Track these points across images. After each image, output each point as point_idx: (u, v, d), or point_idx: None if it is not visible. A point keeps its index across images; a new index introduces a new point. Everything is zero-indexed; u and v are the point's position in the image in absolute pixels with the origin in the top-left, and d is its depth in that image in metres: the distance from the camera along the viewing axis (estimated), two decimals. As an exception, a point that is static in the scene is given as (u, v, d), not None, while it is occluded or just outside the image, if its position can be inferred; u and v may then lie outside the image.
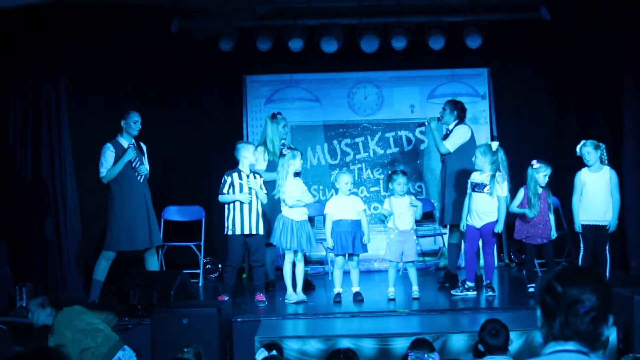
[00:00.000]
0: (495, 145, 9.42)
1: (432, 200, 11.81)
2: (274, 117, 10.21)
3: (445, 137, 10.12)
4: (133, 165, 9.33)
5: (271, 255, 10.19)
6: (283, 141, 10.27)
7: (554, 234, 9.30)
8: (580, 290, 2.81)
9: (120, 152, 9.27)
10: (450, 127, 10.15)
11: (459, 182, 9.87)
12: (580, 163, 9.35)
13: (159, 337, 7.62)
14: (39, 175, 10.54)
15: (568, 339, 2.81)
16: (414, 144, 12.21)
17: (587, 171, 9.27)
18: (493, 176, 9.21)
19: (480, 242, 9.56)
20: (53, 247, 10.53)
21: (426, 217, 10.84)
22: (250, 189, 9.28)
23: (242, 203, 9.25)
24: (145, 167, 9.46)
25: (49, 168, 10.56)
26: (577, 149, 9.26)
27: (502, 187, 9.24)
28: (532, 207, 9.20)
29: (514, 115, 12.27)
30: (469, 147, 9.87)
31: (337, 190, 9.54)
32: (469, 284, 9.48)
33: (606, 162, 9.23)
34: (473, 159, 9.42)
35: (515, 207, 9.34)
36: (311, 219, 9.97)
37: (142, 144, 9.55)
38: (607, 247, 9.22)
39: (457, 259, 10.18)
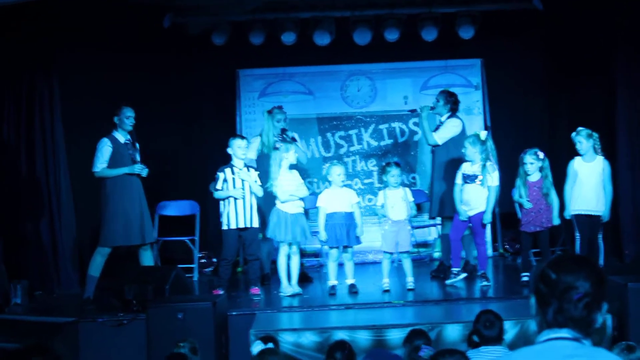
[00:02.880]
0: (484, 134, 9.39)
1: (426, 192, 11.83)
2: (270, 111, 10.23)
3: (437, 128, 10.09)
4: (139, 172, 9.30)
5: (267, 249, 10.18)
6: (286, 133, 10.22)
7: (556, 220, 9.29)
8: (573, 277, 2.82)
9: (117, 146, 9.23)
10: (443, 118, 10.11)
11: (447, 174, 9.82)
12: (573, 152, 9.36)
13: (155, 332, 7.63)
14: (32, 173, 10.50)
15: (562, 325, 2.81)
16: (407, 136, 12.22)
17: (580, 160, 9.24)
18: (484, 166, 9.20)
19: (468, 232, 9.58)
20: (48, 244, 10.49)
21: (420, 208, 10.83)
22: (243, 182, 9.28)
23: (236, 197, 9.25)
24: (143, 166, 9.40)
25: (43, 165, 10.51)
26: (572, 135, 9.25)
27: (493, 177, 9.22)
28: (521, 196, 9.24)
29: (507, 105, 12.28)
30: (459, 139, 9.76)
31: (330, 183, 9.52)
32: (455, 269, 9.47)
33: (600, 151, 9.21)
34: (463, 150, 9.39)
35: (517, 196, 9.35)
36: (306, 212, 9.94)
37: (136, 143, 9.49)
38: (600, 236, 9.23)
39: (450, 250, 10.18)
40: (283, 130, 10.15)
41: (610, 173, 9.23)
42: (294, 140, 10.16)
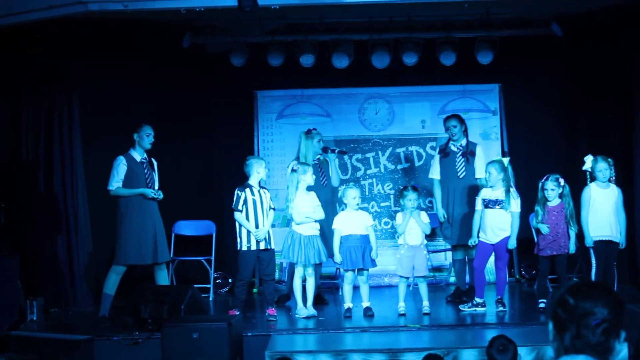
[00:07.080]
0: (506, 161, 9.42)
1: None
2: (308, 132, 10.18)
3: (473, 159, 10.08)
4: (154, 196, 9.29)
5: (292, 269, 10.08)
6: (319, 156, 10.25)
7: (572, 248, 9.27)
8: (592, 303, 2.81)
9: (133, 165, 9.26)
10: (463, 143, 10.09)
11: (470, 199, 9.86)
12: (592, 178, 9.33)
13: (170, 351, 7.62)
14: (50, 190, 10.55)
15: (579, 351, 2.80)
16: (424, 160, 12.19)
17: (596, 187, 9.23)
18: (507, 192, 9.19)
19: (492, 258, 9.56)
20: (64, 261, 10.52)
21: (435, 233, 10.83)
22: (262, 204, 9.28)
23: (256, 218, 9.24)
24: (157, 186, 9.40)
25: (61, 182, 10.56)
26: (590, 162, 9.22)
27: (517, 203, 9.23)
28: (537, 218, 9.23)
29: (525, 131, 12.27)
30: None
31: (346, 206, 9.51)
32: (478, 300, 9.44)
33: (613, 179, 9.24)
34: (486, 176, 9.39)
35: (534, 222, 9.34)
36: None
37: (153, 160, 9.52)
38: (614, 263, 9.21)
39: (464, 275, 10.15)
40: (325, 149, 10.18)
41: (622, 200, 9.24)
42: (342, 153, 10.33)
